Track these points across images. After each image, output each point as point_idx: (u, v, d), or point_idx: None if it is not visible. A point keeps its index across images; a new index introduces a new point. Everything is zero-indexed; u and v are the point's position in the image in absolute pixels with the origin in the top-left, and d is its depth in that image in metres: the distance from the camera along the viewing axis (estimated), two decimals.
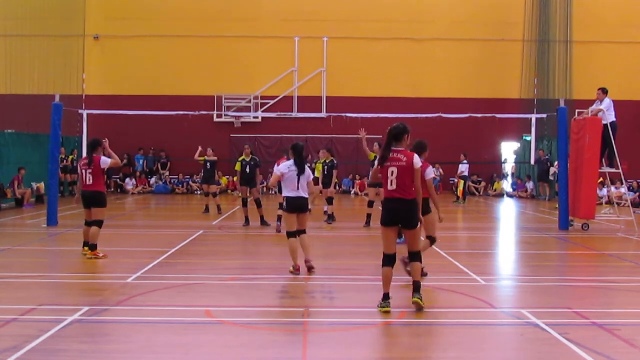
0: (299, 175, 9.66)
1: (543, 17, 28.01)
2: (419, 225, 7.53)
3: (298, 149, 9.84)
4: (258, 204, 15.73)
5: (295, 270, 9.50)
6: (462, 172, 24.52)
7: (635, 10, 28.51)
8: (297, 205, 9.70)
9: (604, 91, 15.25)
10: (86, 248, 10.86)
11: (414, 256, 7.55)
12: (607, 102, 15.08)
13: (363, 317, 7.25)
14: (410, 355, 6.13)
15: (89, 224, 10.94)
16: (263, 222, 15.47)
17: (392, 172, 7.30)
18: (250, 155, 16.07)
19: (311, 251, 9.76)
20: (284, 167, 9.81)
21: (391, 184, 7.31)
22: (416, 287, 7.42)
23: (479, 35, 28.35)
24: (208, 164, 18.48)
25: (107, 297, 8.03)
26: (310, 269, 9.58)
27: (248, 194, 16.08)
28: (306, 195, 9.76)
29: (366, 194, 19.78)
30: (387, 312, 7.26)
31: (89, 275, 9.65)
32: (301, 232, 9.77)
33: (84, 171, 10.91)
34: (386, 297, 7.38)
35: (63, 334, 6.42)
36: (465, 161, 24.50)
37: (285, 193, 9.79)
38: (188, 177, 28.19)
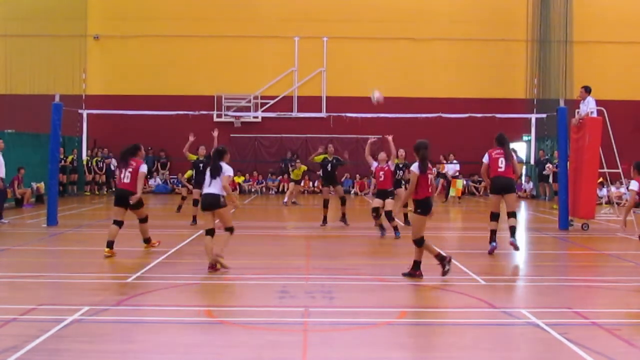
0: (213, 176, 9.69)
1: (543, 17, 28.00)
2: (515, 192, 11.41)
3: (216, 153, 9.92)
4: (343, 202, 15.58)
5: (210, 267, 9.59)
6: (456, 171, 24.61)
7: (635, 10, 28.50)
8: (207, 203, 9.73)
9: (587, 90, 15.11)
10: (107, 249, 10.71)
11: (511, 214, 11.35)
12: (591, 101, 14.99)
13: (363, 317, 7.24)
14: (410, 355, 6.14)
15: (118, 223, 10.90)
16: (344, 220, 15.46)
17: (502, 160, 11.20)
18: (333, 155, 16.08)
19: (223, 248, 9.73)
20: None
21: (501, 167, 11.17)
22: (512, 232, 11.17)
23: (479, 35, 28.33)
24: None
25: (107, 297, 8.02)
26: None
27: (330, 194, 15.89)
28: (218, 193, 9.67)
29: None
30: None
31: (89, 275, 9.64)
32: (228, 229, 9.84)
33: (123, 170, 11.06)
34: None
35: (63, 334, 6.42)
36: (454, 160, 24.59)
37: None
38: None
